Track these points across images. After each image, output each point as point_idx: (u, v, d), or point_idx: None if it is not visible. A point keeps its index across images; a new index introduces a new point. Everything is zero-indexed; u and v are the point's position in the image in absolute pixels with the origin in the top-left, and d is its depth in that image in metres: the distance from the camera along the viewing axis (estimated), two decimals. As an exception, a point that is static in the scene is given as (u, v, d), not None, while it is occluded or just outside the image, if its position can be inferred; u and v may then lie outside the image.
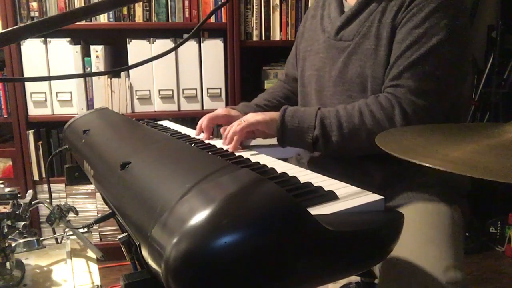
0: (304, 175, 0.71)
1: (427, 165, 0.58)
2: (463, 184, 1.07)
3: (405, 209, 0.96)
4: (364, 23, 1.03)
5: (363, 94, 1.02)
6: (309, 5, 2.27)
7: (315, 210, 0.54)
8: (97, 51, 2.16)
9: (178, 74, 2.23)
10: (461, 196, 1.05)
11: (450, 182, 1.02)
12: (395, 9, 0.98)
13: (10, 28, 0.48)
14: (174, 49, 0.76)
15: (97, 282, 0.91)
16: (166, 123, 1.29)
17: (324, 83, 1.10)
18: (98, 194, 2.22)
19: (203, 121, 1.11)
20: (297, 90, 1.25)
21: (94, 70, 2.17)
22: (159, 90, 2.22)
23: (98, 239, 2.31)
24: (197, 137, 1.08)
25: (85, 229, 0.92)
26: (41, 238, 1.00)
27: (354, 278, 1.16)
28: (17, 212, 0.89)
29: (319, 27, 1.16)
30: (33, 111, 2.18)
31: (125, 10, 2.18)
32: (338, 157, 1.05)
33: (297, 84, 1.25)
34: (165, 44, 2.16)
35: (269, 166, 0.75)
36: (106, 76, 2.18)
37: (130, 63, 2.17)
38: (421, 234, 0.90)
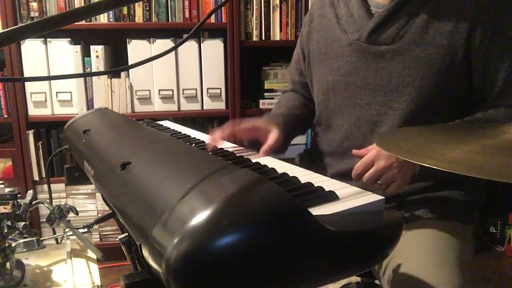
0: (305, 175, 0.71)
1: (425, 165, 0.58)
2: (478, 202, 1.03)
3: (419, 225, 0.95)
4: (405, 26, 0.95)
5: (409, 105, 0.95)
6: (309, 5, 2.27)
7: (315, 210, 0.54)
8: (97, 51, 2.16)
9: (178, 74, 2.23)
10: (476, 216, 1.03)
11: (468, 200, 0.99)
12: (455, 17, 0.92)
13: (10, 28, 0.48)
14: (174, 48, 0.76)
15: (97, 282, 0.91)
16: (166, 123, 1.29)
17: (356, 90, 1.02)
18: (98, 194, 2.22)
19: (225, 129, 0.97)
20: (311, 97, 1.18)
21: (94, 70, 2.17)
22: (159, 90, 2.22)
23: (98, 239, 2.31)
24: (199, 138, 1.07)
25: (85, 229, 0.92)
26: (41, 238, 1.00)
27: (354, 278, 1.16)
28: (17, 212, 0.89)
29: (336, 27, 1.06)
30: (33, 111, 2.18)
31: (125, 10, 2.17)
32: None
33: (309, 90, 1.18)
34: (165, 44, 2.16)
35: (269, 166, 0.75)
36: (106, 76, 2.18)
37: (130, 63, 2.17)
38: (432, 253, 0.89)
